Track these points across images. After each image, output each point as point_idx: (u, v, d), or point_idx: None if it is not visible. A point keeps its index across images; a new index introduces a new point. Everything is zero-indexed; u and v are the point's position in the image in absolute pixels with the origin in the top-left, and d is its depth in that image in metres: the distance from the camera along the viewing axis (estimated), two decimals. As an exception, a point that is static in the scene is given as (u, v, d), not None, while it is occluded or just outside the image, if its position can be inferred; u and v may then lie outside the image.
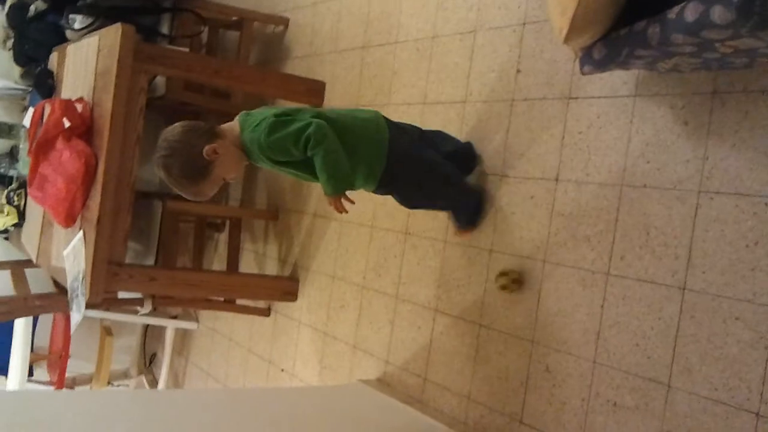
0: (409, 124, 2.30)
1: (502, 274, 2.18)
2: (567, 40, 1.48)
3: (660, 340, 1.77)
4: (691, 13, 1.27)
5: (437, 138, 2.35)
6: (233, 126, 2.02)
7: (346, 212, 1.99)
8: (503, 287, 2.18)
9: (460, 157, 2.33)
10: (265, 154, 1.95)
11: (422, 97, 2.62)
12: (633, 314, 1.84)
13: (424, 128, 2.34)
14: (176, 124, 1.99)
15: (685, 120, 1.78)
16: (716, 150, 1.71)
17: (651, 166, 1.84)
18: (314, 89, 3.18)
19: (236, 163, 2.02)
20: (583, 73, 1.66)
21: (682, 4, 1.30)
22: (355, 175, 2.02)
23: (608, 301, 1.91)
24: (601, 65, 1.59)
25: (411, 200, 2.27)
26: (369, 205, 2.79)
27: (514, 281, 2.16)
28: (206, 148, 1.93)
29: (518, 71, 2.25)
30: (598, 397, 1.91)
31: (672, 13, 1.32)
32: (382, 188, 2.12)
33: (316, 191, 3.16)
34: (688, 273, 1.73)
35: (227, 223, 3.78)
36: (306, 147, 1.89)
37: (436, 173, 2.18)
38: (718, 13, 1.21)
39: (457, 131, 2.43)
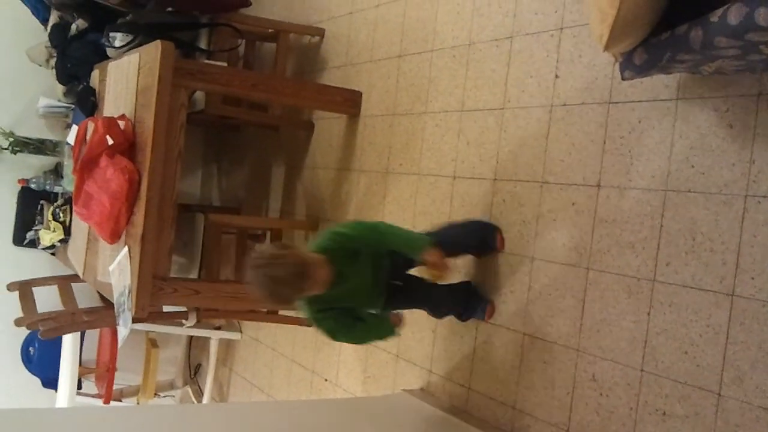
0: None
1: None
2: (607, 47, 1.47)
3: (709, 347, 1.74)
4: (734, 16, 1.25)
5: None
6: None
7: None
8: None
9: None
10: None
11: (460, 104, 2.61)
12: (680, 321, 1.81)
13: None
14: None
15: (729, 123, 1.74)
16: (763, 153, 1.67)
17: (695, 170, 1.81)
18: (351, 99, 3.19)
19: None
20: (623, 79, 1.64)
21: (725, 7, 1.27)
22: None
23: (654, 308, 1.88)
24: (643, 70, 1.56)
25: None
26: (409, 214, 2.79)
27: None
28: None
29: (556, 76, 2.23)
30: (646, 406, 1.87)
31: (715, 17, 1.30)
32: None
33: (354, 200, 3.16)
34: (736, 279, 1.70)
35: (268, 234, 3.80)
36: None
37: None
38: (762, 15, 1.19)
39: (496, 139, 2.42)
